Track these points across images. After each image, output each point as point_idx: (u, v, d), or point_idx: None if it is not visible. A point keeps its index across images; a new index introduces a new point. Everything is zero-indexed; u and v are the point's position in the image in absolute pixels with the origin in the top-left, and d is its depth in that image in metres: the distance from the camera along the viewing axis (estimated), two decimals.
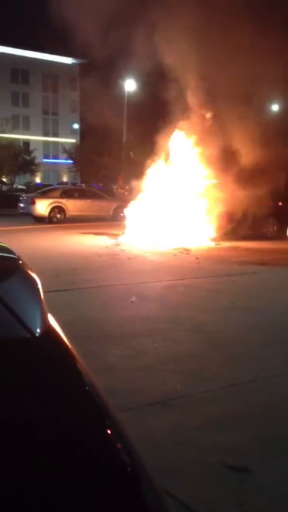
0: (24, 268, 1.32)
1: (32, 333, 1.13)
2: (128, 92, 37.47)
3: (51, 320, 1.32)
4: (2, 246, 1.60)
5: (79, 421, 1.00)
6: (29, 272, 1.32)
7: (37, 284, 1.29)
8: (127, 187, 34.54)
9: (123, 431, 1.08)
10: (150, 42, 14.91)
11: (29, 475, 0.84)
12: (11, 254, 1.44)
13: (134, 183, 17.69)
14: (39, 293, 1.26)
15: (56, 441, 0.92)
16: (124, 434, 1.07)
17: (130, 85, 37.61)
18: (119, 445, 1.02)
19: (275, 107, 25.74)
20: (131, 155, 32.76)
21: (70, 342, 1.27)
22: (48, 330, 1.21)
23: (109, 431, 1.02)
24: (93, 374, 3.76)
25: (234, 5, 14.54)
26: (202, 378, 4.36)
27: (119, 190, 29.33)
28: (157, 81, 16.50)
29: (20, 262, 1.35)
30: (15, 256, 1.41)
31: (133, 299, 6.81)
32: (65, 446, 0.92)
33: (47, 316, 1.26)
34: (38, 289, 1.27)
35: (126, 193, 29.54)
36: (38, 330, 1.14)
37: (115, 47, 16.34)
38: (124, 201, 19.45)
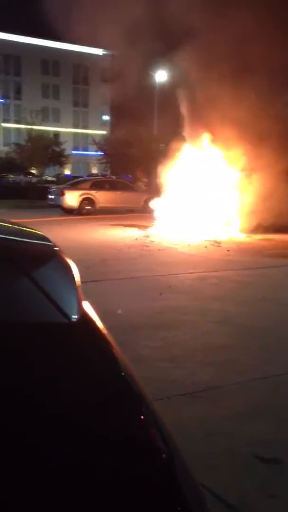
0: (60, 255, 1.34)
1: (69, 319, 1.14)
2: (159, 83, 37.29)
3: (88, 307, 1.34)
4: (38, 233, 1.63)
5: (115, 407, 1.01)
6: (65, 259, 1.34)
7: (72, 271, 1.31)
8: (146, 180, 34.48)
9: (159, 418, 1.09)
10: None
11: (65, 460, 0.86)
12: (47, 241, 1.47)
13: (155, 175, 17.67)
14: (75, 280, 1.28)
15: (93, 426, 0.94)
16: (160, 422, 1.08)
17: (161, 76, 37.41)
18: (155, 432, 1.02)
19: None
20: (162, 146, 32.65)
21: (106, 329, 1.29)
22: (85, 317, 1.22)
23: (144, 418, 1.03)
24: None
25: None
26: (233, 370, 4.35)
27: (139, 183, 29.24)
28: (185, 73, 16.34)
29: (56, 249, 1.37)
30: (51, 243, 1.43)
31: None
32: (101, 431, 0.93)
33: (82, 303, 1.28)
34: (73, 276, 1.29)
35: (145, 186, 29.49)
36: (74, 316, 1.16)
37: (144, 39, 16.27)
38: (154, 193, 19.42)
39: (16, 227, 1.69)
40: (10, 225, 1.68)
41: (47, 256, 1.29)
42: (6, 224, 1.66)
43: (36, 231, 1.67)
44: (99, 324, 1.29)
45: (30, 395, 0.96)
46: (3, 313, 1.08)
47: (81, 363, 1.08)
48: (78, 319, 1.17)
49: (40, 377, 1.00)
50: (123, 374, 1.11)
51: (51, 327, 1.11)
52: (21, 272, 1.17)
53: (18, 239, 1.52)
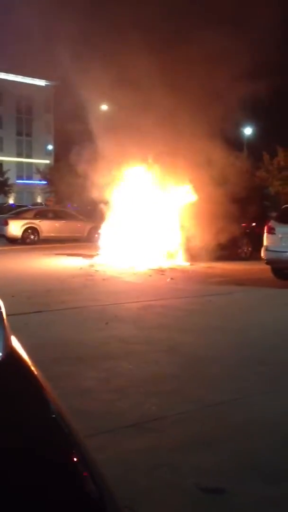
0: None
1: None
2: (102, 112, 37.69)
3: (15, 343, 1.28)
4: None
5: (43, 449, 0.96)
6: None
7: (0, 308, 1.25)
8: (90, 208, 34.55)
9: (90, 458, 1.04)
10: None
11: None
12: None
13: (99, 204, 17.78)
14: (2, 317, 1.22)
15: (19, 471, 0.88)
16: (92, 462, 1.03)
17: (103, 106, 37.87)
18: (85, 474, 0.98)
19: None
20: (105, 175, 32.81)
21: (35, 366, 1.23)
22: (12, 354, 1.16)
23: (75, 459, 0.98)
24: (67, 397, 3.67)
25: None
26: (178, 400, 4.32)
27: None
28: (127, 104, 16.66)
29: None
30: None
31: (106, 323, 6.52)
32: (28, 476, 0.88)
33: (10, 339, 1.22)
34: (1, 312, 1.23)
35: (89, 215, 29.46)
36: (1, 354, 1.10)
37: (88, 69, 16.51)
38: (98, 222, 19.43)
39: None
40: None
41: None
42: None
43: None
44: (28, 361, 1.23)
45: None
46: None
47: (6, 402, 1.02)
48: (4, 357, 1.11)
49: None
50: (52, 414, 1.06)
51: None
52: None
53: None
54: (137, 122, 15.71)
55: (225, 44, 14.55)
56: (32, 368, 1.22)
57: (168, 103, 14.99)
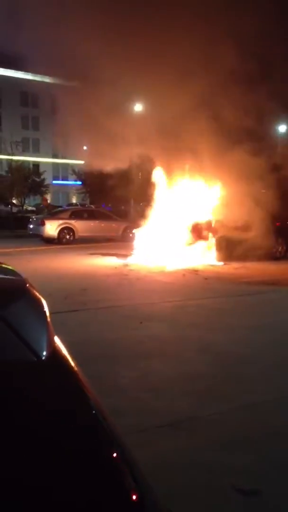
0: (31, 291, 1.34)
1: (38, 356, 1.14)
2: (135, 112, 37.80)
3: (58, 342, 1.34)
4: (9, 268, 1.62)
5: (85, 445, 0.99)
6: (36, 294, 1.34)
7: (43, 307, 1.31)
8: (124, 208, 34.67)
9: (130, 455, 1.07)
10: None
11: (33, 501, 0.83)
12: (17, 276, 1.46)
13: (134, 204, 17.89)
14: (46, 316, 1.28)
15: (62, 466, 0.92)
16: (131, 458, 1.06)
17: (137, 106, 37.96)
18: (125, 470, 1.00)
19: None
20: (140, 176, 32.93)
21: (77, 364, 1.28)
22: (55, 353, 1.22)
23: (115, 455, 1.02)
24: (102, 396, 3.74)
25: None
26: (212, 399, 4.34)
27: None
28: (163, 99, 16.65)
29: (27, 284, 1.37)
30: (22, 279, 1.43)
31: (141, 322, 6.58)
32: (70, 471, 0.91)
33: (53, 339, 1.27)
34: (44, 312, 1.29)
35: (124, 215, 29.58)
36: (44, 353, 1.15)
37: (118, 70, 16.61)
38: (132, 222, 19.54)
39: None
40: None
41: (17, 293, 1.29)
42: None
43: (6, 265, 1.66)
44: (70, 360, 1.29)
45: None
46: None
47: (50, 400, 1.08)
48: (48, 356, 1.16)
49: (7, 416, 0.98)
50: (93, 412, 1.11)
51: (20, 366, 1.11)
52: None
53: None
54: (172, 120, 15.71)
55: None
56: (74, 366, 1.27)
57: (203, 94, 14.92)
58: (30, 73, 70.96)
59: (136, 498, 0.93)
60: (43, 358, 1.15)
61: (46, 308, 1.32)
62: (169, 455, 3.32)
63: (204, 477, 3.05)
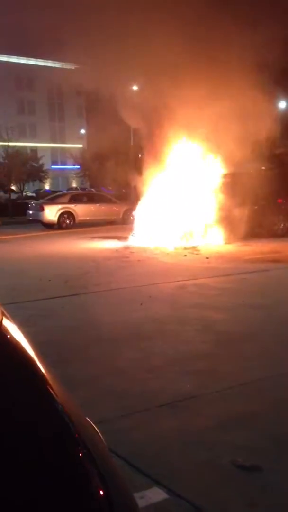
0: None
1: None
2: (134, 92, 37.41)
3: (6, 322, 1.27)
4: None
5: (36, 437, 0.92)
6: None
7: None
8: (124, 191, 34.56)
9: (97, 446, 0.99)
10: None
11: None
12: None
13: (133, 186, 17.80)
14: None
15: (13, 461, 0.85)
16: (97, 450, 0.98)
17: (135, 86, 37.57)
18: (90, 469, 0.91)
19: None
20: (139, 157, 32.72)
21: (29, 342, 1.21)
22: (3, 338, 1.15)
23: (75, 447, 0.94)
24: (104, 377, 3.73)
25: None
26: (213, 378, 4.32)
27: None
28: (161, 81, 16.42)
29: None
30: None
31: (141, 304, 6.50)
32: (24, 470, 0.84)
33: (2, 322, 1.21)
34: None
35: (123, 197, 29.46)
36: None
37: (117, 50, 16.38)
38: (132, 204, 19.43)
39: None
40: None
41: None
42: None
43: None
44: (17, 339, 1.22)
45: None
46: None
47: None
48: None
49: None
50: (45, 393, 1.02)
51: None
52: None
53: None
54: (172, 100, 15.51)
55: None
56: (25, 349, 1.20)
57: (207, 75, 14.70)
58: (24, 57, 70.34)
59: (103, 494, 0.88)
60: None
61: None
62: (169, 434, 3.31)
63: (205, 455, 3.04)
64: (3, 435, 0.90)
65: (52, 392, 1.04)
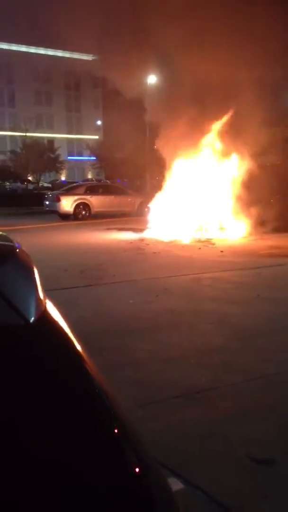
0: (20, 255, 1.32)
1: (26, 319, 1.12)
2: (150, 85, 37.28)
3: (50, 306, 1.31)
4: (1, 234, 1.60)
5: (80, 414, 0.95)
6: (26, 259, 1.32)
7: (33, 271, 1.29)
8: (139, 183, 34.45)
9: (133, 428, 1.03)
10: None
11: (23, 476, 0.79)
12: (7, 241, 1.44)
13: (149, 178, 17.70)
14: (35, 280, 1.26)
15: (56, 435, 0.87)
16: (133, 431, 1.01)
17: (151, 79, 37.42)
18: (127, 441, 0.95)
19: None
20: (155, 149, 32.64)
21: (72, 330, 1.26)
22: (44, 316, 1.19)
23: (115, 427, 0.97)
24: (119, 368, 3.77)
25: None
26: (228, 371, 4.34)
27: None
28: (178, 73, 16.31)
29: (17, 250, 1.35)
30: (12, 244, 1.41)
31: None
32: (67, 441, 0.87)
33: (43, 303, 1.25)
34: (33, 276, 1.27)
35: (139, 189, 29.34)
36: (32, 316, 1.14)
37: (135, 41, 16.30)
38: (148, 196, 19.44)
39: None
40: None
41: (5, 256, 1.27)
42: None
43: None
44: (61, 324, 1.26)
45: None
46: None
47: (39, 363, 1.05)
48: (37, 320, 1.14)
49: None
50: (85, 371, 1.07)
51: (7, 329, 1.09)
52: None
53: None
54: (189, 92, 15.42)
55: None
56: (66, 330, 1.24)
57: (225, 68, 14.57)
58: (42, 48, 70.40)
59: (138, 472, 0.90)
60: (31, 321, 1.13)
61: (36, 273, 1.30)
62: (185, 426, 3.34)
63: (219, 447, 3.07)
64: (51, 400, 0.95)
65: (90, 370, 1.08)
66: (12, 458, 0.81)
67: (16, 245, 1.41)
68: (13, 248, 1.36)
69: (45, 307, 1.25)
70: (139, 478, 0.88)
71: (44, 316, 1.20)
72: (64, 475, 0.83)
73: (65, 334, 1.21)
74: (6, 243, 1.43)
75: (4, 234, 1.58)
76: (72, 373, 1.07)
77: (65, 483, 0.81)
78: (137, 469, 0.90)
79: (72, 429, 0.92)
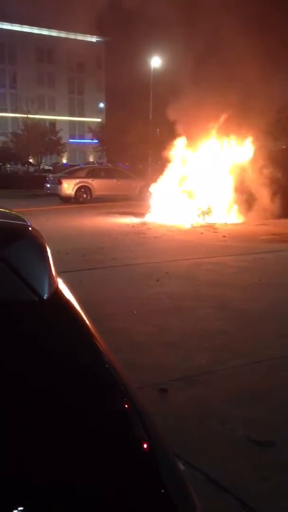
0: (33, 233, 1.33)
1: (40, 296, 1.13)
2: (154, 68, 37.00)
3: (61, 284, 1.33)
4: (13, 213, 1.62)
5: (90, 390, 0.97)
6: (38, 238, 1.33)
7: (45, 249, 1.30)
8: (141, 166, 34.26)
9: (142, 405, 1.04)
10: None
11: (39, 448, 0.82)
12: (20, 220, 1.45)
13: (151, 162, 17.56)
14: (48, 258, 1.27)
15: (67, 411, 0.89)
16: (142, 408, 1.03)
17: (155, 61, 37.12)
18: (136, 418, 0.97)
19: None
20: (157, 133, 32.48)
21: (80, 305, 1.27)
22: (57, 293, 1.21)
23: (125, 403, 0.99)
24: (119, 351, 3.77)
25: None
26: (228, 354, 4.35)
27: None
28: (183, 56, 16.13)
29: (29, 228, 1.36)
30: (24, 222, 1.42)
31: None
32: (77, 417, 0.89)
33: (55, 280, 1.26)
34: (46, 253, 1.28)
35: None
36: (46, 293, 1.15)
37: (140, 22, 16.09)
38: (149, 180, 19.35)
39: None
40: None
41: (19, 234, 1.28)
42: None
43: (11, 211, 1.65)
44: (73, 302, 1.28)
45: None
46: None
47: (52, 338, 1.07)
48: (49, 296, 1.15)
49: (10, 355, 0.97)
50: (99, 353, 1.09)
51: (21, 305, 1.10)
52: None
53: None
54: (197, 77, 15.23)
55: None
56: (77, 307, 1.26)
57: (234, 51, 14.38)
58: (45, 28, 69.62)
59: (146, 448, 0.91)
60: (45, 297, 1.14)
61: (48, 251, 1.31)
62: (184, 408, 3.36)
63: (218, 429, 3.08)
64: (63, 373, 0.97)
65: (101, 346, 1.10)
66: (30, 430, 0.83)
67: (28, 223, 1.42)
68: (25, 227, 1.37)
69: (57, 285, 1.26)
70: (147, 453, 0.89)
71: (57, 293, 1.21)
72: (74, 447, 0.84)
73: (77, 311, 1.23)
74: (19, 222, 1.43)
75: (16, 213, 1.59)
76: (85, 349, 1.09)
77: (74, 454, 0.83)
78: (145, 445, 0.91)
79: (85, 401, 0.93)
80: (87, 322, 1.19)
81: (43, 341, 1.05)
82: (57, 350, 1.04)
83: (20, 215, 1.58)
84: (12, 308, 1.08)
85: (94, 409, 0.93)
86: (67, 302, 1.24)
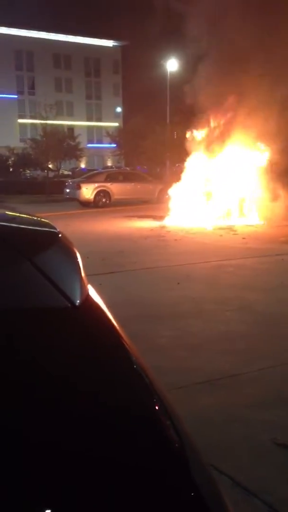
0: (63, 240, 1.35)
1: (72, 302, 1.14)
2: (170, 72, 37.06)
3: (92, 291, 1.34)
4: (43, 221, 1.64)
5: (124, 394, 0.98)
6: (69, 244, 1.35)
7: (76, 256, 1.31)
8: (159, 170, 34.19)
9: (171, 407, 1.04)
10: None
11: (69, 451, 0.82)
12: (51, 228, 1.48)
13: (169, 165, 17.48)
14: (78, 264, 1.28)
15: (96, 412, 0.90)
16: (172, 410, 1.03)
17: (172, 65, 37.18)
18: (167, 423, 0.98)
19: None
20: (175, 136, 32.47)
21: (111, 312, 1.29)
22: (89, 300, 1.22)
23: (157, 406, 1.00)
24: (143, 354, 3.76)
25: None
26: (251, 357, 4.32)
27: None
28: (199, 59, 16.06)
29: (60, 235, 1.38)
30: (55, 230, 1.44)
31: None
32: (107, 419, 0.90)
33: (86, 286, 1.27)
34: (77, 260, 1.29)
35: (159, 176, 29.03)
36: (78, 299, 1.16)
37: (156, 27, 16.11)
38: (168, 183, 19.34)
39: (22, 215, 1.68)
40: (16, 214, 1.68)
41: (50, 241, 1.29)
42: (12, 213, 1.66)
43: (41, 219, 1.67)
44: (103, 308, 1.29)
45: (31, 383, 0.94)
46: (3, 299, 1.07)
47: (84, 346, 1.08)
48: (81, 303, 1.16)
49: (42, 363, 0.98)
50: (130, 358, 1.09)
51: (54, 312, 1.11)
52: (22, 257, 1.16)
53: (22, 226, 1.52)
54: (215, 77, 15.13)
55: None
56: (108, 313, 1.26)
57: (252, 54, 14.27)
58: (62, 34, 70.17)
59: (177, 449, 0.91)
60: (77, 304, 1.15)
61: (79, 257, 1.32)
62: (208, 411, 3.34)
63: (243, 432, 3.06)
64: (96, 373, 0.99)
65: (133, 352, 1.12)
66: (67, 429, 0.85)
67: (58, 230, 1.44)
68: (56, 234, 1.39)
69: (88, 291, 1.28)
70: (179, 454, 0.89)
71: (88, 300, 1.22)
72: (105, 447, 0.85)
73: (108, 317, 1.24)
74: (49, 229, 1.46)
75: (47, 221, 1.61)
76: (117, 354, 1.09)
77: (106, 455, 0.84)
78: (176, 445, 0.91)
79: (117, 405, 0.94)
80: (118, 328, 1.20)
81: (77, 347, 1.06)
82: (90, 357, 1.05)
83: (49, 222, 1.60)
84: (46, 314, 1.10)
85: (130, 412, 0.93)
86: (98, 308, 1.25)
